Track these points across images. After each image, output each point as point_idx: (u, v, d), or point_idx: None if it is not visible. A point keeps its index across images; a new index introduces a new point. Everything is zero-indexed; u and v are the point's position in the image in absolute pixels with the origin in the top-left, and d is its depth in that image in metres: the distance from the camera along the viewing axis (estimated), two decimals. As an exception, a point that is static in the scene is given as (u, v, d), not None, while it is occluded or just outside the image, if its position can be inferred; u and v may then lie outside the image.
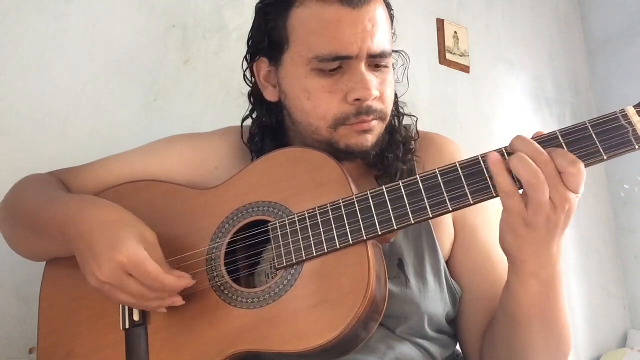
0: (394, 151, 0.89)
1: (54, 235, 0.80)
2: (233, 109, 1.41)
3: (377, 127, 0.84)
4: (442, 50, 2.04)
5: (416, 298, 0.84)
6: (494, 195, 0.67)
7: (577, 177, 0.63)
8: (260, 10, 0.88)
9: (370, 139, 0.83)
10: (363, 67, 0.80)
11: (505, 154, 0.67)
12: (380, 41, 0.80)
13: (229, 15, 1.50)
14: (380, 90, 0.82)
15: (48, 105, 1.20)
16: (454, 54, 2.07)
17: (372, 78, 0.81)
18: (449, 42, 2.06)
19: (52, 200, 0.83)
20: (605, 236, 2.40)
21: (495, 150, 0.68)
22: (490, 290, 0.87)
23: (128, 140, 1.27)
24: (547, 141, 0.66)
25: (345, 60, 0.79)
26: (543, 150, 0.64)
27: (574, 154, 0.64)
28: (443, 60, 2.03)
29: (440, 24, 2.06)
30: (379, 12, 0.81)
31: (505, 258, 0.88)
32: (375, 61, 0.81)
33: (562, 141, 0.66)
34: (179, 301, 0.74)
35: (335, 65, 0.80)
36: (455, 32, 2.08)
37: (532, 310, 0.75)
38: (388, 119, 0.86)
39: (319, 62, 0.79)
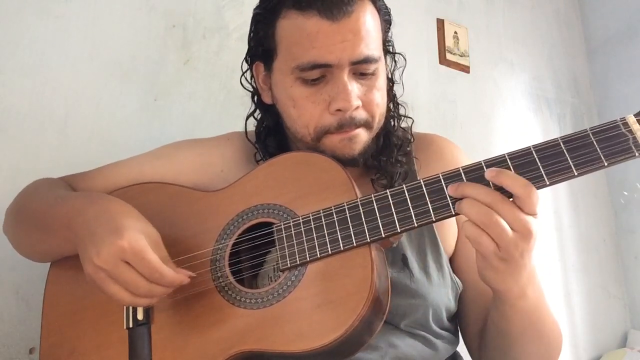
0: (389, 154, 0.89)
1: (61, 230, 0.80)
2: (233, 109, 1.42)
3: (363, 135, 0.83)
4: (442, 50, 2.04)
5: (421, 290, 0.85)
6: None
7: (532, 199, 0.65)
8: (253, 18, 0.89)
9: (356, 147, 0.83)
10: (345, 76, 0.80)
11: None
12: (365, 47, 0.80)
13: (229, 15, 1.50)
14: (365, 98, 0.82)
15: (48, 105, 1.20)
16: (454, 54, 2.06)
17: (354, 87, 0.80)
18: (449, 42, 2.05)
19: (60, 199, 0.83)
20: (605, 236, 2.40)
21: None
22: None
23: (128, 140, 1.27)
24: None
25: (325, 68, 0.79)
26: (491, 189, 0.66)
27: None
28: (443, 60, 2.03)
29: (440, 24, 2.05)
30: (364, 21, 0.80)
31: None
32: (360, 68, 0.81)
33: (563, 148, 0.67)
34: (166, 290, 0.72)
35: (316, 74, 0.80)
36: (455, 32, 2.08)
37: (524, 324, 0.78)
38: (376, 124, 0.85)
39: (300, 71, 0.80)
